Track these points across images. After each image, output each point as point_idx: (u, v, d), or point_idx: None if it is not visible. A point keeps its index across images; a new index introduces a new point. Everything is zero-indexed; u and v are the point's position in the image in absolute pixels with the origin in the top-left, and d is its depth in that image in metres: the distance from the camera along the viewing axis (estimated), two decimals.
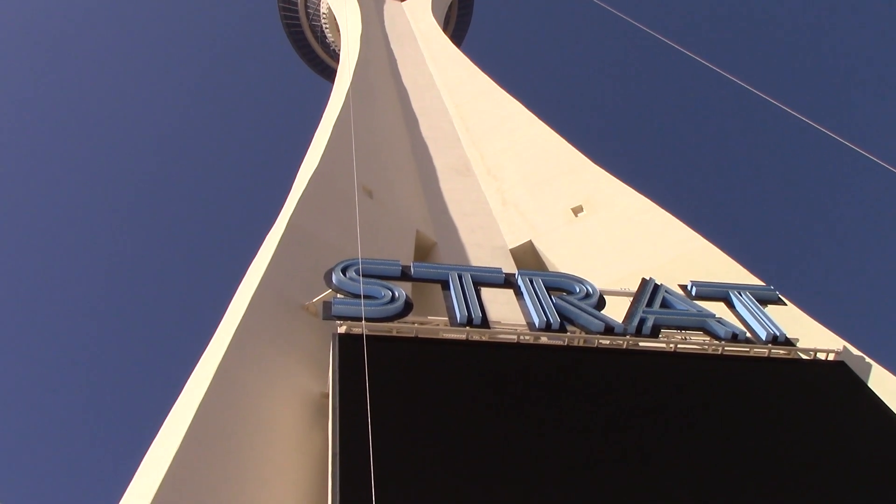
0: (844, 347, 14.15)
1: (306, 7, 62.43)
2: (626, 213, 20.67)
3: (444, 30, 51.14)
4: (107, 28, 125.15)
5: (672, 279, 15.29)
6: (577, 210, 21.68)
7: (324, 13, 60.40)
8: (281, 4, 63.32)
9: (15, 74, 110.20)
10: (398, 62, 38.23)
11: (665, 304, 14.45)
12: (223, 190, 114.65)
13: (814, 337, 14.41)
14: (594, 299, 14.27)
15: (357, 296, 12.81)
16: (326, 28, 61.43)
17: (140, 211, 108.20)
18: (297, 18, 63.56)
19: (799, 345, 13.93)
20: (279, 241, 14.97)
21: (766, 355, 13.66)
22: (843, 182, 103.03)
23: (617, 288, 15.33)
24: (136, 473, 9.86)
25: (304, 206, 16.75)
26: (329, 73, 63.68)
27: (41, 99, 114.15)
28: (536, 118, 27.43)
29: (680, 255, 18.10)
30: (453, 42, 46.22)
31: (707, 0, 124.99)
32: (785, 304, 15.23)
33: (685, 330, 14.22)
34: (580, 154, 24.12)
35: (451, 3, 60.20)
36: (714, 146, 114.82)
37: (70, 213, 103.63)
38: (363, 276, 13.39)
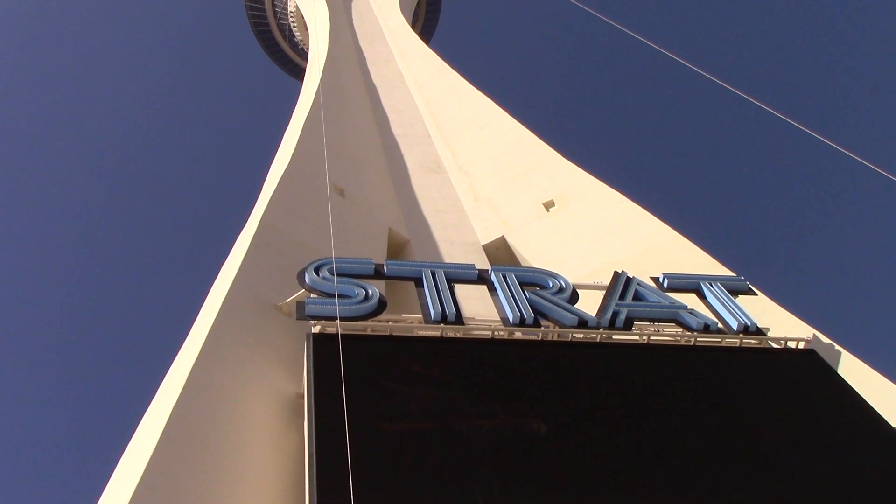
0: (814, 336, 14.34)
1: (274, 6, 62.12)
2: (598, 207, 20.79)
3: (413, 26, 51.09)
4: (74, 27, 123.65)
5: (644, 271, 15.40)
6: (548, 205, 21.77)
7: (291, 12, 60.12)
8: (248, 3, 62.90)
9: None
10: (367, 60, 38.14)
11: (637, 296, 14.56)
12: (194, 191, 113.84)
13: (784, 326, 14.59)
14: (567, 293, 14.35)
15: (330, 295, 12.78)
16: (294, 27, 61.13)
17: (111, 213, 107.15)
18: (265, 17, 63.19)
19: (769, 334, 14.10)
20: (251, 242, 14.89)
21: (737, 345, 13.81)
22: (810, 172, 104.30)
23: (590, 281, 15.41)
24: (113, 475, 9.79)
25: (276, 206, 16.68)
26: (298, 72, 63.35)
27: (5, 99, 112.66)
28: (507, 114, 27.49)
29: (651, 247, 18.24)
30: (422, 39, 46.15)
31: None
32: (755, 294, 15.40)
33: (658, 322, 14.34)
34: (551, 149, 24.21)
35: (419, 0, 60.16)
36: (682, 138, 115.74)
37: (41, 214, 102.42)
38: (336, 274, 13.36)
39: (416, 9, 59.70)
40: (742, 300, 14.82)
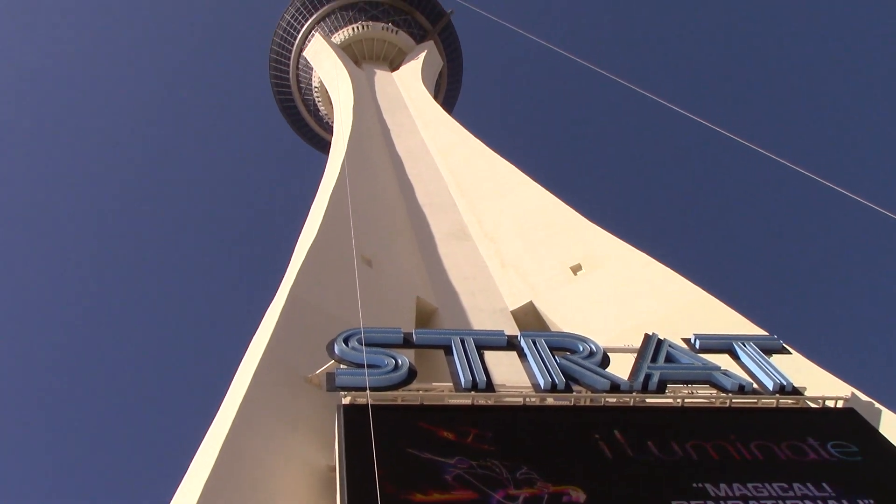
0: (853, 394, 14.06)
1: (298, 81, 63.42)
2: (625, 269, 20.71)
3: (435, 97, 51.83)
4: (106, 105, 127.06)
5: (674, 333, 15.25)
6: (575, 268, 21.72)
7: (315, 87, 61.27)
8: (273, 80, 64.30)
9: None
10: (391, 131, 38.67)
11: (669, 358, 14.40)
12: (223, 265, 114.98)
13: (821, 385, 14.32)
14: (598, 357, 14.22)
15: (360, 365, 12.75)
16: (319, 101, 62.26)
17: (141, 287, 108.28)
18: (290, 93, 64.45)
19: (806, 393, 13.84)
20: (280, 314, 14.98)
21: (774, 405, 13.57)
22: (839, 229, 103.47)
23: (620, 344, 15.29)
24: None
25: (304, 278, 16.80)
26: (323, 146, 64.32)
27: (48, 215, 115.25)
28: (530, 179, 27.64)
29: (681, 308, 18.08)
30: (444, 108, 46.78)
31: (680, 52, 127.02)
32: (789, 353, 15.17)
33: (691, 384, 14.14)
34: (575, 213, 24.27)
35: (441, 70, 61.13)
36: (708, 197, 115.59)
37: (82, 293, 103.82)
38: (365, 345, 13.37)
39: (437, 79, 60.67)
40: (776, 359, 14.61)
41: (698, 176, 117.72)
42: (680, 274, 19.39)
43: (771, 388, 13.63)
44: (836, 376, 14.73)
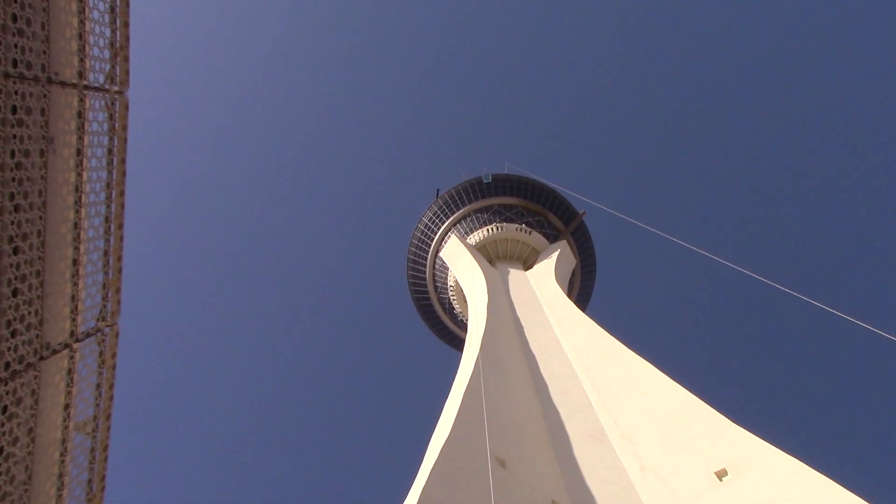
0: None
1: (434, 281, 65.30)
2: (775, 476, 19.39)
3: (569, 293, 52.13)
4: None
5: None
6: (720, 474, 20.53)
7: (451, 286, 62.84)
8: (410, 280, 66.60)
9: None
10: (525, 328, 38.82)
11: None
12: (354, 465, 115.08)
13: None
14: None
15: None
16: (454, 299, 63.63)
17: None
18: (426, 292, 66.33)
19: None
20: None
21: None
22: None
23: None
24: None
25: (437, 478, 16.55)
26: (457, 342, 65.11)
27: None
28: (669, 379, 26.84)
29: None
30: (578, 305, 46.90)
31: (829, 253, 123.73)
32: None
33: None
34: (718, 414, 23.22)
35: (574, 268, 61.75)
36: (860, 399, 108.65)
37: None
38: None
39: (570, 277, 61.21)
40: None
41: (848, 378, 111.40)
42: (838, 482, 18.00)
43: None
44: None
